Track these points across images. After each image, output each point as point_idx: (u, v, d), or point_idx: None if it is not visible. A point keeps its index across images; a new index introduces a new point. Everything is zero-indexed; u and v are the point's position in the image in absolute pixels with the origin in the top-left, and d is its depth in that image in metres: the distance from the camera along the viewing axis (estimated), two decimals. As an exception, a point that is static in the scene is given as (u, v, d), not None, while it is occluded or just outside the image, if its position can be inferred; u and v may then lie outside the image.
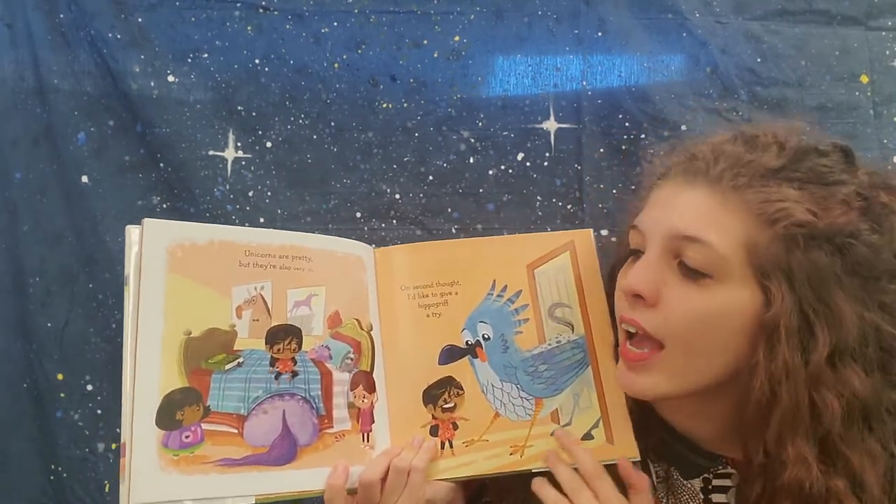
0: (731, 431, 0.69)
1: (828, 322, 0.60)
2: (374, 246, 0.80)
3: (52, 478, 0.99)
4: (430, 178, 0.99)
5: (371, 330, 0.76)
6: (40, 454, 0.99)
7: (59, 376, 0.98)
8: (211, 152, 0.98)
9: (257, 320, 0.71)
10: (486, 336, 0.76)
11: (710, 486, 0.72)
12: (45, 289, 0.98)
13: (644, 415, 0.74)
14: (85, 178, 0.98)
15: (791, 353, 0.60)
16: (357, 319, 0.76)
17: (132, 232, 0.68)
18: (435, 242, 0.84)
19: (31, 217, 0.98)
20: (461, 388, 0.75)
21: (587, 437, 0.73)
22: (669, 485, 0.73)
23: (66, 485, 0.98)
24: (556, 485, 0.69)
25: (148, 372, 0.65)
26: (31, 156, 0.98)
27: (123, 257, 0.97)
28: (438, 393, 0.75)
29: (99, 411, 0.98)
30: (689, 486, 0.72)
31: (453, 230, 0.99)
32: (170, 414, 0.65)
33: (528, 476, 0.72)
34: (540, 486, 0.69)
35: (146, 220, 0.69)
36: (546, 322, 0.77)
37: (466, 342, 0.76)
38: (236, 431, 0.67)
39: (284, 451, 0.68)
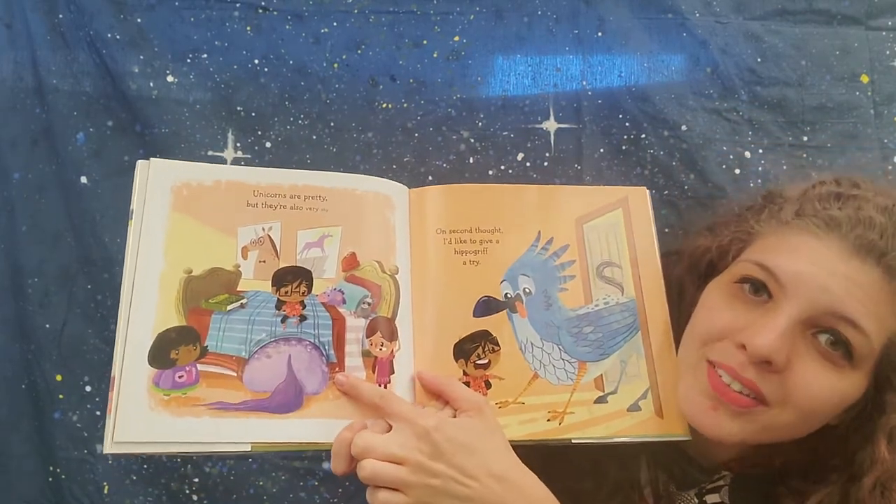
0: (751, 451, 0.69)
1: None
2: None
3: (50, 479, 0.99)
4: (430, 178, 0.99)
5: (396, 273, 0.71)
6: (39, 455, 0.98)
7: (58, 377, 0.98)
8: (210, 152, 0.98)
9: (264, 262, 0.68)
10: (527, 290, 0.70)
11: (703, 490, 0.71)
12: (44, 289, 0.98)
13: None
14: (84, 179, 0.97)
15: None
16: (378, 262, 0.71)
17: (141, 166, 0.67)
18: (476, 185, 0.78)
19: (30, 217, 0.98)
20: (497, 345, 0.69)
21: (634, 408, 0.68)
22: (666, 497, 0.73)
23: (65, 486, 0.98)
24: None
25: (143, 308, 0.63)
26: (30, 156, 0.98)
27: (122, 258, 0.98)
28: (472, 347, 0.68)
29: (98, 412, 0.97)
30: (684, 496, 0.72)
31: (453, 230, 0.99)
32: (163, 352, 0.63)
33: (549, 459, 0.68)
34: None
35: (153, 159, 0.67)
36: (594, 281, 0.72)
37: (506, 295, 0.70)
38: (235, 374, 0.64)
39: (289, 398, 0.64)
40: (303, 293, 0.68)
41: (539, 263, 0.72)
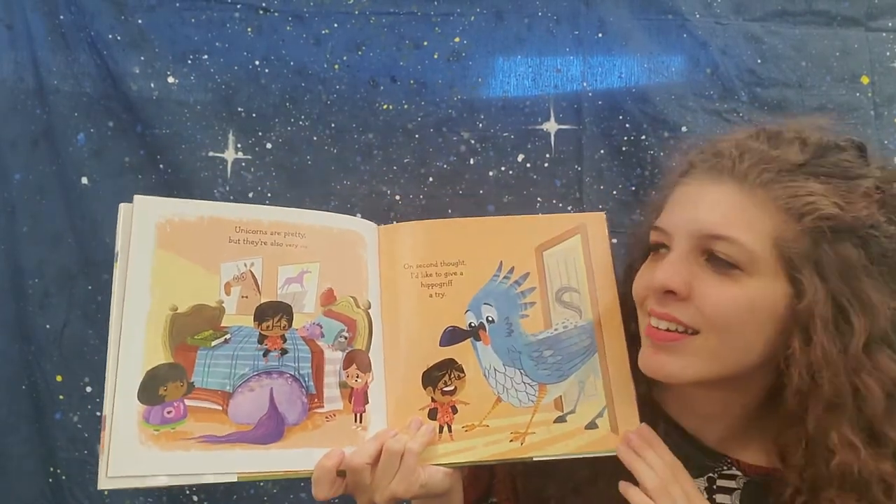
0: (742, 433, 0.70)
1: (861, 310, 0.61)
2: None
3: (50, 480, 0.99)
4: (431, 179, 0.99)
5: (369, 308, 0.74)
6: (39, 456, 0.99)
7: (59, 378, 0.98)
8: (211, 153, 0.98)
9: (246, 297, 0.69)
10: (490, 319, 0.74)
11: (714, 486, 0.72)
12: (44, 290, 0.98)
13: (652, 414, 0.74)
14: (84, 180, 0.98)
15: (829, 341, 0.61)
16: (353, 297, 0.73)
17: (124, 209, 0.68)
18: (441, 220, 0.80)
19: (30, 218, 0.98)
20: (462, 371, 0.72)
21: (591, 426, 0.72)
22: None
23: (65, 487, 0.98)
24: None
25: (132, 346, 0.64)
26: (31, 157, 0.98)
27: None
28: (439, 375, 0.72)
29: (98, 413, 0.96)
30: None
31: (453, 231, 0.99)
32: (152, 389, 0.64)
33: (536, 475, 0.71)
34: (626, 488, 0.67)
35: (136, 197, 0.68)
36: (553, 306, 0.75)
37: (470, 324, 0.74)
38: (220, 408, 0.66)
39: (271, 429, 0.67)
40: (283, 327, 0.70)
41: (501, 292, 0.75)
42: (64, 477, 0.98)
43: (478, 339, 0.73)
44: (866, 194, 0.63)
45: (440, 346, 0.73)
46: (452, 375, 0.72)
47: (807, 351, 0.61)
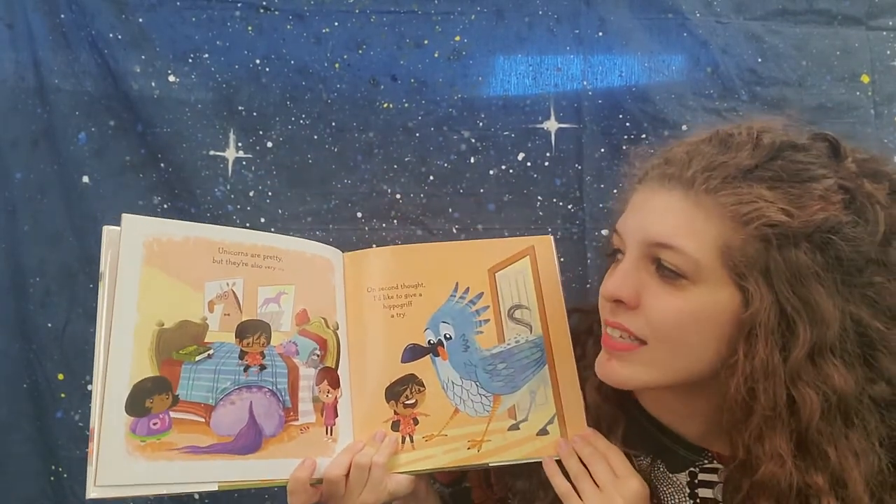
0: (717, 428, 0.70)
1: (808, 318, 0.60)
2: (345, 250, 0.83)
3: (52, 478, 0.99)
4: (431, 178, 0.99)
5: (337, 329, 0.79)
6: (40, 455, 0.99)
7: (60, 376, 0.98)
8: (212, 152, 0.98)
9: (228, 315, 0.73)
10: (447, 336, 0.79)
11: (696, 481, 0.73)
12: (45, 289, 0.98)
13: (630, 407, 0.75)
14: (85, 179, 0.98)
15: (770, 351, 0.60)
16: (324, 318, 0.78)
17: (109, 232, 0.70)
18: (401, 247, 0.86)
19: (31, 217, 0.98)
20: (422, 385, 0.78)
21: (542, 432, 0.76)
22: (655, 477, 0.74)
23: (66, 485, 0.98)
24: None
25: (120, 360, 0.67)
26: (32, 156, 0.98)
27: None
28: (401, 390, 0.77)
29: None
30: (674, 479, 0.73)
31: (454, 230, 0.99)
32: (139, 401, 0.67)
33: (506, 472, 0.75)
34: (553, 475, 0.72)
35: (125, 216, 0.71)
36: (506, 323, 0.80)
37: (429, 341, 0.79)
38: (203, 420, 0.69)
39: (250, 440, 0.70)
40: (262, 344, 0.74)
41: (458, 311, 0.81)
42: (65, 475, 0.98)
43: (436, 354, 0.79)
44: (823, 197, 0.61)
45: (401, 362, 0.79)
46: (413, 389, 0.78)
47: (748, 360, 0.61)
